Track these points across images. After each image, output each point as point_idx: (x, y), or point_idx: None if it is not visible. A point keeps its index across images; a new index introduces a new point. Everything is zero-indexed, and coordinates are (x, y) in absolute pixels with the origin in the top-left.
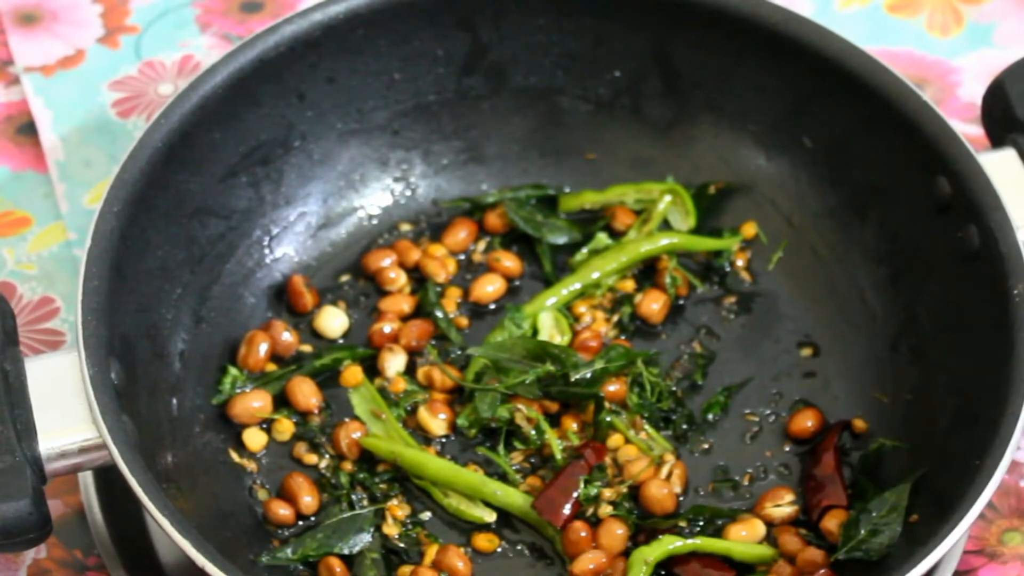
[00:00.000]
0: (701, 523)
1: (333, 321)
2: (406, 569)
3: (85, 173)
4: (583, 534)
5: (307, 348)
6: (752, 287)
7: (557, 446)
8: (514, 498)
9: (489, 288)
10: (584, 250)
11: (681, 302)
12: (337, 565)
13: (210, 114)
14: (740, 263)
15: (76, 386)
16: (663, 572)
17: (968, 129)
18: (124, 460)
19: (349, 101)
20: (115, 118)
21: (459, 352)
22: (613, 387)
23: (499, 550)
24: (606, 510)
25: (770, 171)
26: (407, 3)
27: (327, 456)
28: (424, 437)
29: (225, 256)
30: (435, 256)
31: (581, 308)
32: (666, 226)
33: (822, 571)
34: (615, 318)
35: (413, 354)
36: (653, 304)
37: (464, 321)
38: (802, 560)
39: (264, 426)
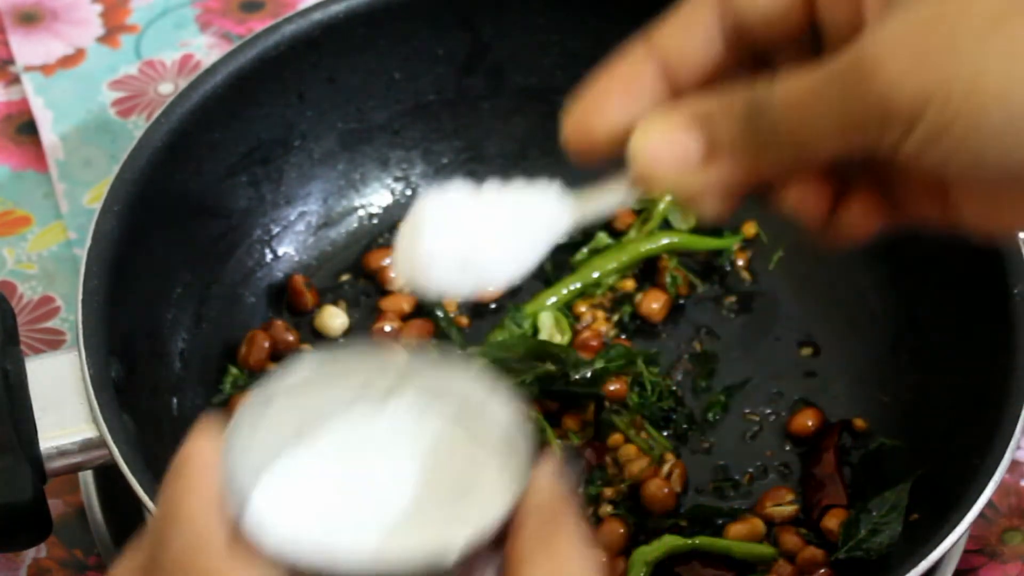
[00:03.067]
0: (701, 522)
1: (333, 320)
2: None
3: (85, 173)
4: None
5: (307, 348)
6: (752, 287)
7: (557, 446)
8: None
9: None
10: (584, 250)
11: (681, 302)
12: None
13: (210, 114)
14: (740, 263)
15: (76, 385)
16: (663, 572)
17: None
18: (124, 459)
19: (349, 101)
20: (115, 117)
21: (459, 352)
22: (613, 386)
23: None
24: (606, 509)
25: None
26: (407, 3)
27: None
28: None
29: (225, 256)
30: None
31: (581, 307)
32: (666, 225)
33: (822, 570)
34: (615, 317)
35: None
36: (653, 303)
37: (464, 321)
38: (802, 559)
39: None
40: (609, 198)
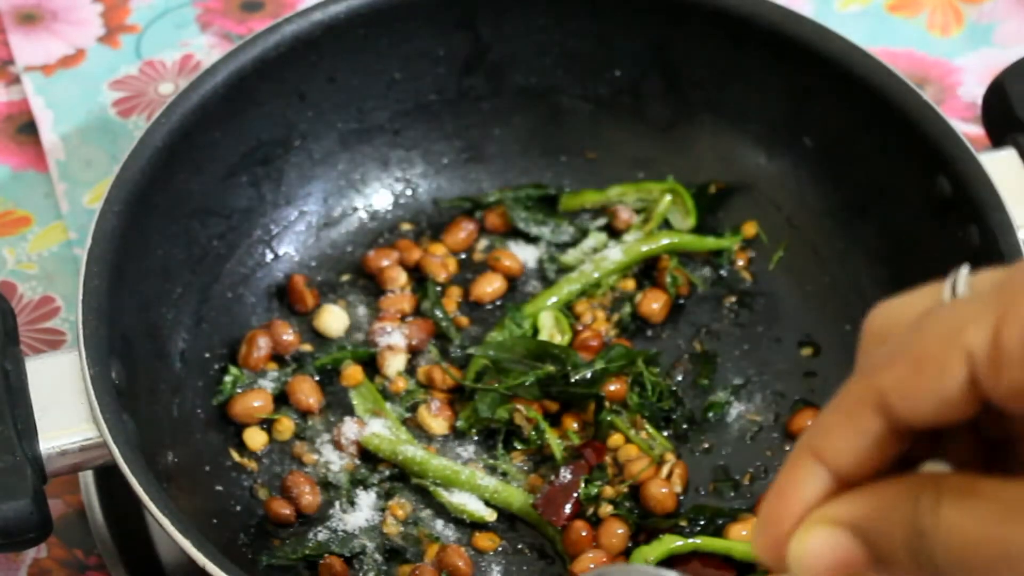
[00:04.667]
0: (702, 522)
1: (333, 321)
2: (406, 568)
3: (85, 173)
4: (584, 533)
5: (307, 348)
6: (752, 287)
7: (557, 446)
8: (514, 497)
9: (489, 288)
10: (584, 249)
11: (681, 302)
12: (337, 565)
13: (210, 114)
14: (740, 263)
15: (77, 385)
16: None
17: (968, 129)
18: (125, 459)
19: (350, 101)
20: (116, 117)
21: (459, 352)
22: (613, 387)
23: (500, 549)
24: (607, 509)
25: (770, 171)
26: (408, 3)
27: (327, 455)
28: (424, 436)
29: (225, 256)
30: (435, 255)
31: (581, 307)
32: (666, 226)
33: None
34: (615, 318)
35: (413, 354)
36: (654, 304)
37: (464, 321)
38: None
39: (264, 425)
40: None
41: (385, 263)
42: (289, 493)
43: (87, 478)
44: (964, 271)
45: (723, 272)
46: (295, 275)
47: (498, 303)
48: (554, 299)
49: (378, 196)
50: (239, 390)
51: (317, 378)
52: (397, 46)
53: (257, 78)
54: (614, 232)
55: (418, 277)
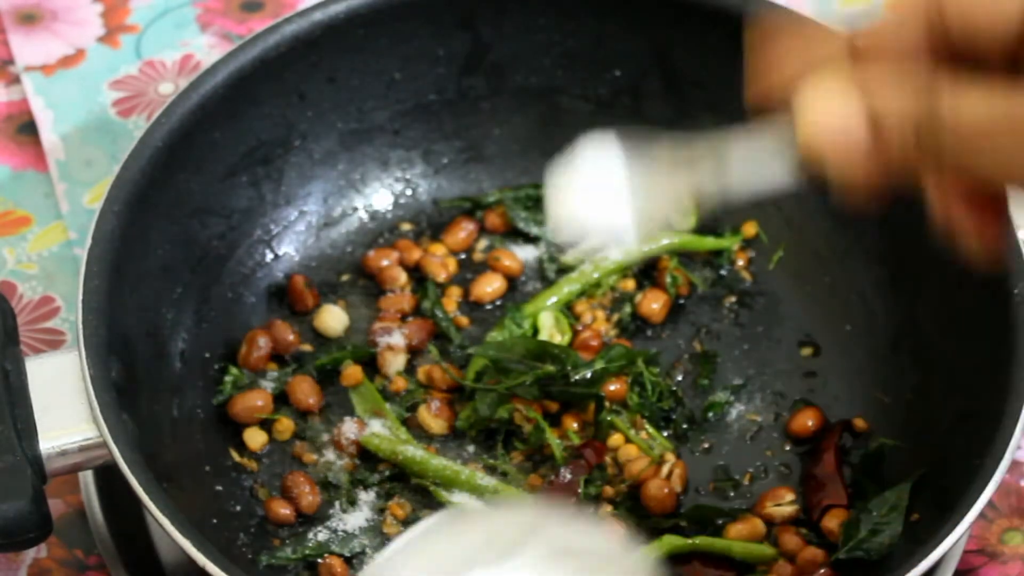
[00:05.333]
0: (701, 522)
1: (333, 320)
2: None
3: (85, 173)
4: None
5: (307, 348)
6: (753, 287)
7: (557, 446)
8: (514, 497)
9: (489, 288)
10: (584, 248)
11: (681, 302)
12: (337, 565)
13: (210, 114)
14: (740, 263)
15: (77, 385)
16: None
17: None
18: (125, 459)
19: (349, 101)
20: (115, 117)
21: (459, 352)
22: (613, 386)
23: None
24: (606, 509)
25: None
26: (408, 3)
27: (327, 455)
28: (424, 436)
29: (225, 256)
30: (435, 255)
31: (581, 307)
32: (666, 226)
33: (822, 571)
34: (615, 318)
35: (413, 354)
36: (654, 304)
37: (464, 320)
38: (802, 559)
39: (264, 426)
40: (764, 171)
41: (385, 263)
42: (289, 493)
43: (87, 478)
44: None
45: (723, 272)
46: (295, 275)
47: (498, 303)
48: (554, 299)
49: (378, 196)
50: (239, 390)
51: (317, 378)
52: (397, 46)
53: (257, 78)
54: None
55: (418, 277)
